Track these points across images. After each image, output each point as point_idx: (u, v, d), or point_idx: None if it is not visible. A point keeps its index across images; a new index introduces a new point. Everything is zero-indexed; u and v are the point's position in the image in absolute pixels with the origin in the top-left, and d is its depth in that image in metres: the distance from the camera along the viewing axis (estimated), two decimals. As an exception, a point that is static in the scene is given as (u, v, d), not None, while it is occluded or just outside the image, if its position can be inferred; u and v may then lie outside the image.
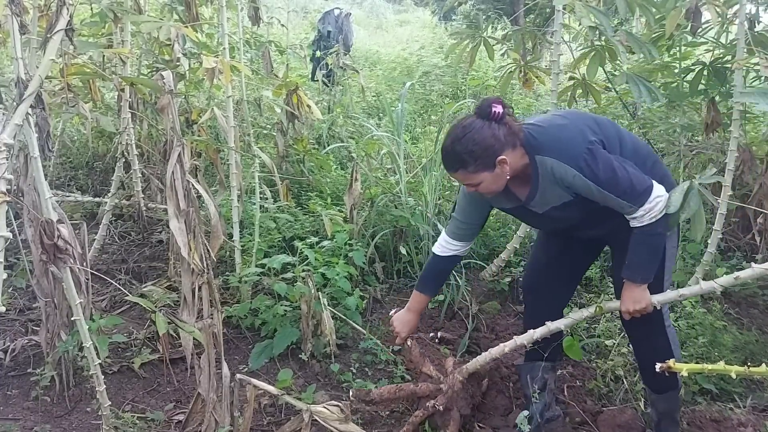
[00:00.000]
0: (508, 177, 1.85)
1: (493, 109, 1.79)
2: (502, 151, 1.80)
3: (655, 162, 1.99)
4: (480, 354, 2.92)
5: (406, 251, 3.46)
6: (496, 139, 1.79)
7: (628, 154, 1.90)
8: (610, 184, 1.78)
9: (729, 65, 3.02)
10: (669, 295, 1.98)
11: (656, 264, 1.93)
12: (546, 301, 2.24)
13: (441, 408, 2.22)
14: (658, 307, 1.97)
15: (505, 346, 2.21)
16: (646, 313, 1.95)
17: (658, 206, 1.81)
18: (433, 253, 2.24)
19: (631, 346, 2.28)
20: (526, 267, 2.46)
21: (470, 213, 2.12)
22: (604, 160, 1.78)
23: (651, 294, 1.93)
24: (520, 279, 3.35)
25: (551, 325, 2.14)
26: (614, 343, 2.60)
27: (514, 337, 2.22)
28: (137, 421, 2.26)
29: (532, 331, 2.16)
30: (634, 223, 1.86)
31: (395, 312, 2.38)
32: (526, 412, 2.21)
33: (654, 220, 1.82)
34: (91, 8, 3.30)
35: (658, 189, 1.82)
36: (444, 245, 2.20)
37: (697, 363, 2.18)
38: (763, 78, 3.21)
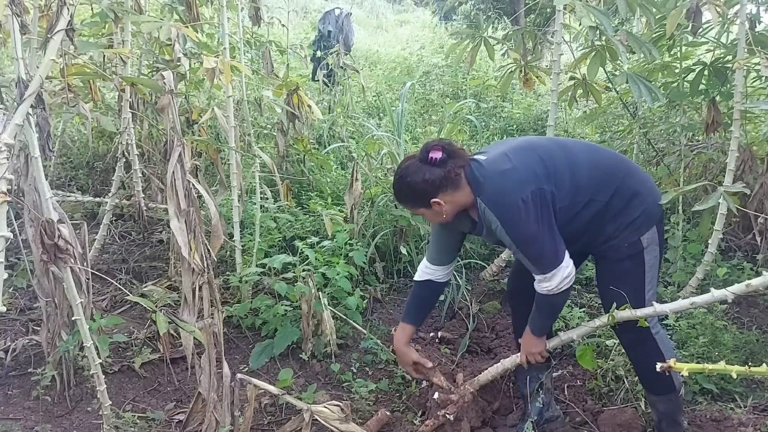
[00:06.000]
0: (444, 216, 1.91)
1: (431, 155, 1.85)
2: (435, 195, 1.86)
3: (628, 174, 1.95)
4: (479, 354, 2.95)
5: (407, 251, 3.46)
6: (427, 184, 1.86)
7: (584, 179, 1.89)
8: (524, 245, 1.86)
9: (730, 65, 3.03)
10: (681, 303, 1.96)
11: (553, 321, 2.11)
12: (529, 304, 2.20)
13: (451, 418, 2.20)
14: (668, 318, 1.97)
15: (518, 357, 2.21)
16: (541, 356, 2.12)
17: (555, 282, 1.87)
18: (414, 281, 2.29)
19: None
20: (510, 271, 2.49)
21: (441, 238, 2.17)
22: (532, 218, 1.81)
23: (633, 307, 1.94)
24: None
25: (564, 336, 2.15)
26: (614, 343, 2.60)
27: None
28: (138, 421, 2.27)
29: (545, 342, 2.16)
30: (535, 285, 1.95)
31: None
32: (529, 423, 2.22)
33: (549, 292, 1.91)
34: (92, 8, 3.30)
35: (564, 271, 1.87)
36: (421, 271, 2.24)
37: (697, 363, 2.18)
38: (763, 78, 3.21)
